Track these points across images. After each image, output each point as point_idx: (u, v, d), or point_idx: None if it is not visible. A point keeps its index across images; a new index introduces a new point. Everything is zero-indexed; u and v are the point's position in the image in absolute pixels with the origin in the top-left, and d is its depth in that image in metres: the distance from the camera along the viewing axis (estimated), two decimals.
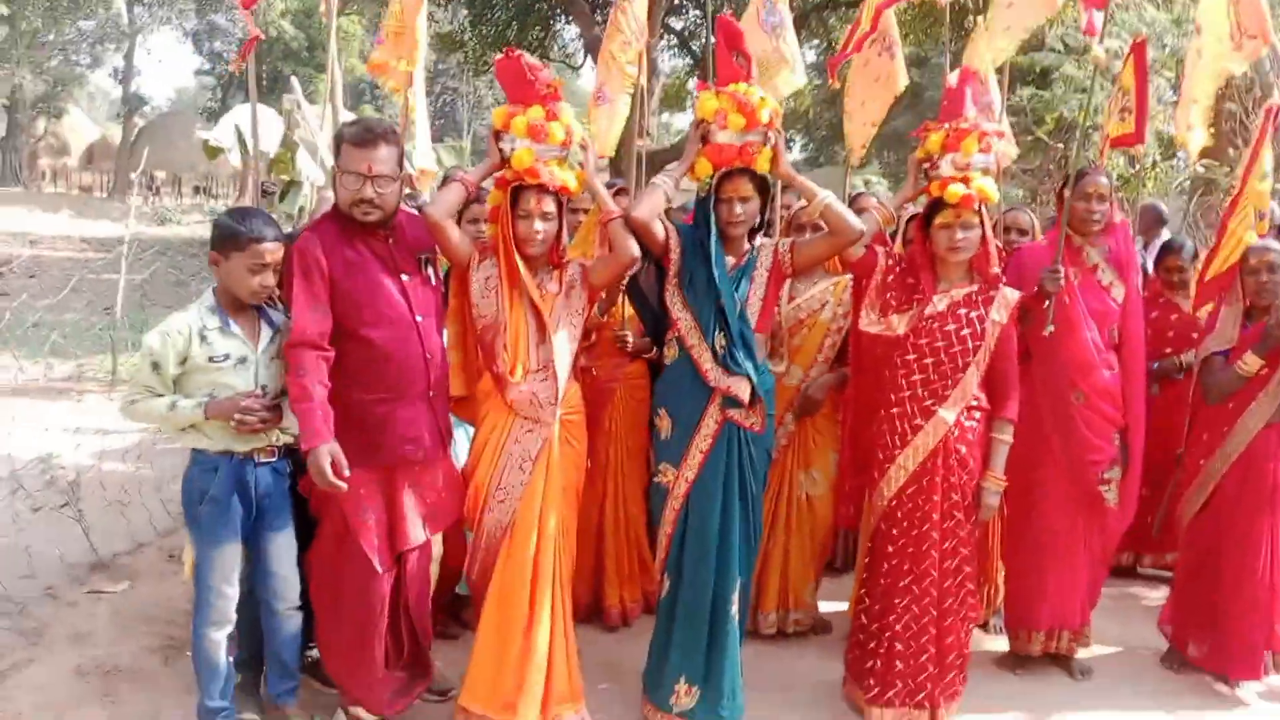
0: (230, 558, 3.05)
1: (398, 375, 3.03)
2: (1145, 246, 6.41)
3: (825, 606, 4.20)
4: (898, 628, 3.34)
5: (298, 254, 2.92)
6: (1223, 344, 3.78)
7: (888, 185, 19.00)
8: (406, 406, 3.06)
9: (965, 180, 3.23)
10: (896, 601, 3.34)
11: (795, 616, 4.04)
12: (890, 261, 3.41)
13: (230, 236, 2.96)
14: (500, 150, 3.15)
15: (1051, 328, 3.56)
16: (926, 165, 3.34)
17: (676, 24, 17.97)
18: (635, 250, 3.24)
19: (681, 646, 3.31)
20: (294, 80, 6.47)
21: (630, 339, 3.94)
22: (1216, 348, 3.79)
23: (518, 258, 3.15)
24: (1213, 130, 4.30)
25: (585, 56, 17.86)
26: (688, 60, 19.12)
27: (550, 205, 3.14)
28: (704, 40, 18.49)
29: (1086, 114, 4.25)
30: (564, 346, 3.20)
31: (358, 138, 2.93)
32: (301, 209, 6.40)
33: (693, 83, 18.30)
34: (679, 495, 3.31)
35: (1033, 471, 3.65)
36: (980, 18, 4.36)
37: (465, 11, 17.75)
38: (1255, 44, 3.81)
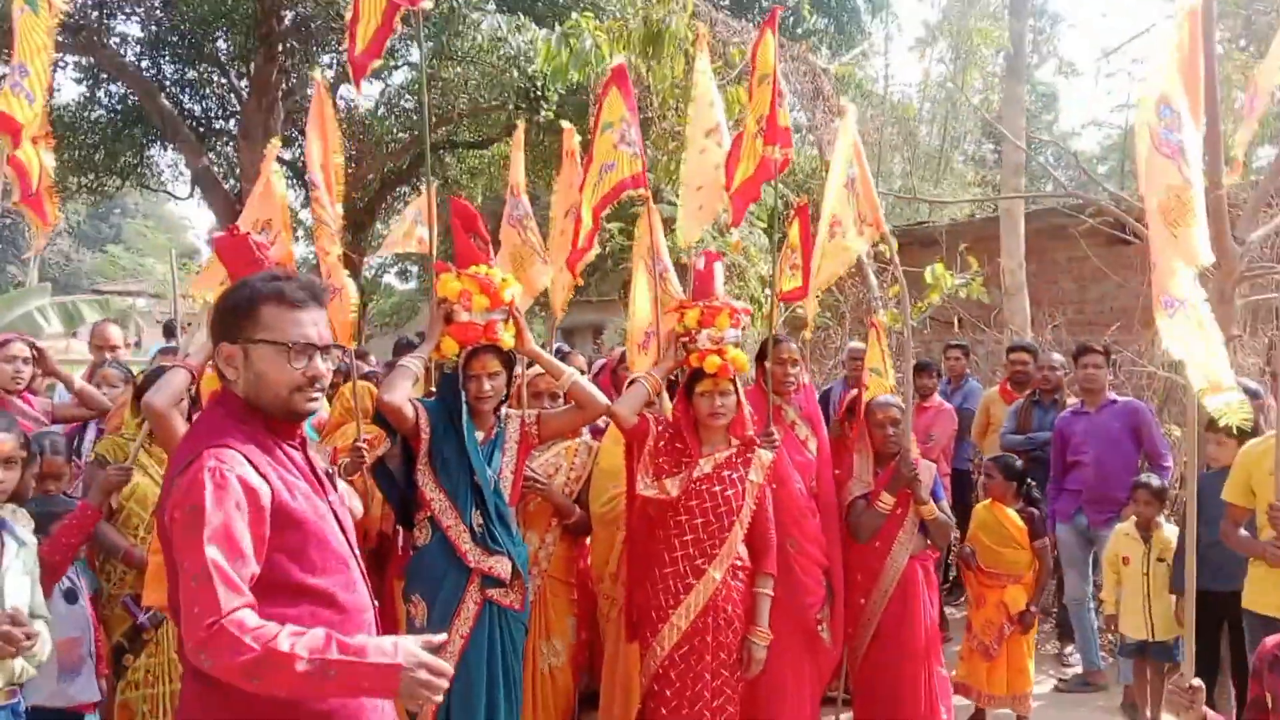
0: None
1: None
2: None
3: None
4: None
5: (215, 484, 1.86)
6: (862, 488, 4.21)
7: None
8: None
9: (720, 352, 3.48)
10: None
11: None
12: (660, 428, 3.55)
13: None
14: None
15: (773, 485, 3.85)
16: (684, 339, 3.56)
17: (286, 154, 17.62)
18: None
19: None
20: None
21: None
22: (859, 492, 4.21)
23: None
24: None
25: (193, 186, 16.80)
26: (301, 190, 18.84)
27: None
28: None
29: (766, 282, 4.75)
30: None
31: (298, 295, 2.05)
32: None
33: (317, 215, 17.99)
34: None
35: None
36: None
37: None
38: (871, 230, 4.43)
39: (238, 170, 16.08)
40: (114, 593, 3.68)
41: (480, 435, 3.33)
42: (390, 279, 27.90)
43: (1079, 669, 5.71)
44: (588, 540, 4.13)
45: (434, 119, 13.87)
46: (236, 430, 1.98)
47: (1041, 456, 5.99)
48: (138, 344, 19.11)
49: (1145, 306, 9.14)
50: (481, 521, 3.21)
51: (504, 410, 3.44)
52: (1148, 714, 4.90)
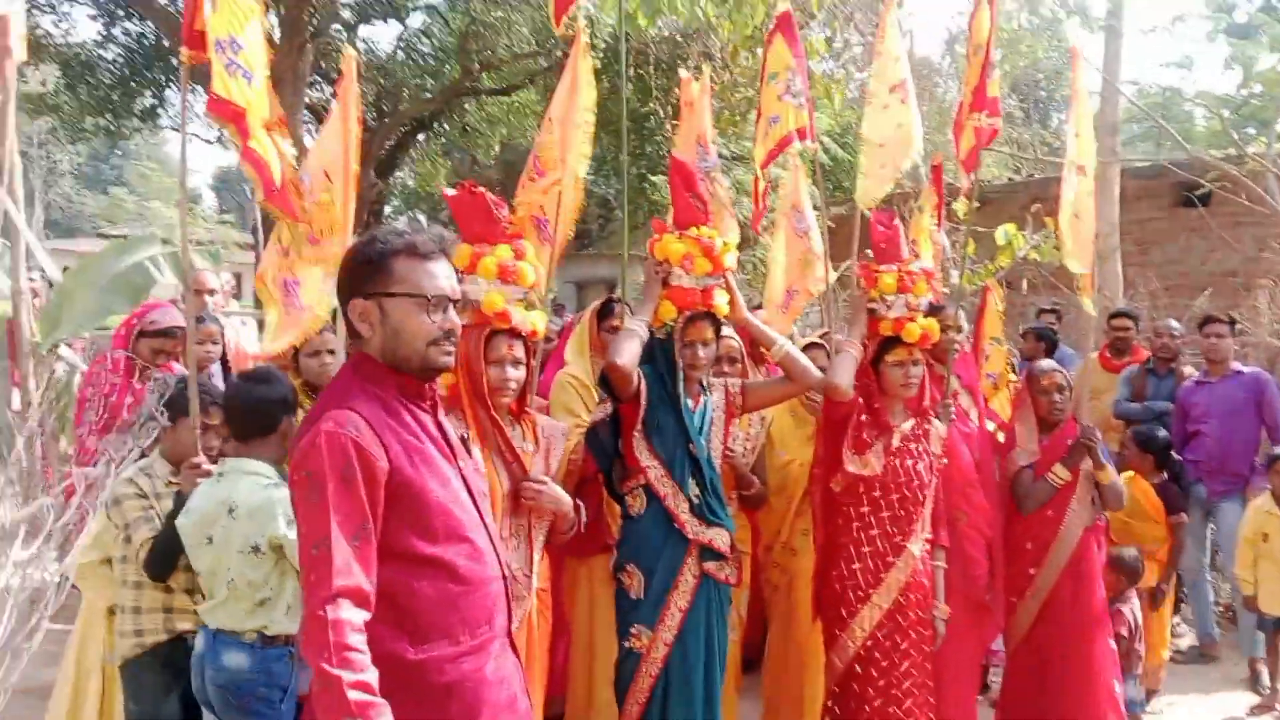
0: None
1: (480, 611, 2.00)
2: None
3: None
4: None
5: (332, 450, 1.84)
6: (1028, 458, 4.10)
7: None
8: (498, 658, 2.05)
9: (914, 320, 3.36)
10: None
11: None
12: (859, 401, 3.44)
13: None
14: (462, 293, 2.81)
15: (945, 459, 3.77)
16: (874, 304, 3.43)
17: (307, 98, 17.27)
18: None
19: None
20: None
21: None
22: (1024, 462, 4.11)
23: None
24: None
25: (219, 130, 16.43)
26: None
27: (520, 351, 2.85)
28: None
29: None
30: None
31: (429, 247, 2.00)
32: None
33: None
34: (657, 660, 3.07)
35: None
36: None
37: (59, 72, 15.64)
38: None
39: None
40: None
41: (690, 404, 3.22)
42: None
43: (1191, 640, 5.72)
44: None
45: (476, 64, 13.55)
46: (364, 392, 1.95)
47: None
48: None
49: (1229, 271, 9.12)
50: (699, 492, 3.13)
51: (707, 379, 3.33)
52: (1278, 686, 4.91)
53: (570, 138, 3.66)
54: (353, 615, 1.77)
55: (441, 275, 2.01)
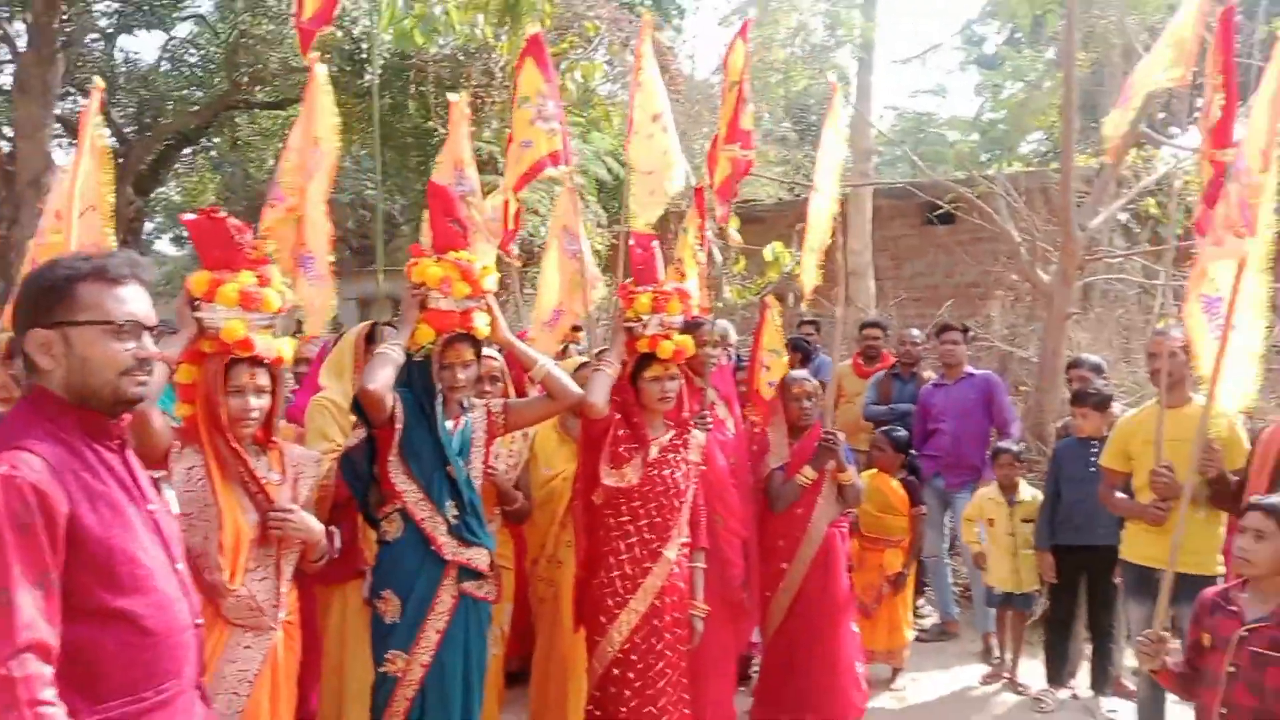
0: None
1: (168, 663, 1.91)
2: None
3: None
4: None
5: (6, 496, 1.70)
6: (780, 460, 4.45)
7: None
8: (186, 712, 1.97)
9: (668, 337, 3.54)
10: None
11: None
12: (617, 416, 3.57)
13: None
14: (199, 321, 2.75)
15: (702, 464, 3.98)
16: (631, 324, 3.58)
17: (58, 109, 16.07)
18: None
19: None
20: None
21: None
22: (775, 464, 4.46)
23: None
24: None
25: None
26: (70, 150, 17.21)
27: (264, 379, 2.81)
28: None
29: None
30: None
31: (121, 271, 1.89)
32: None
33: None
34: (413, 682, 3.09)
35: None
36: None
37: None
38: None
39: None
40: None
41: (450, 424, 3.26)
42: (164, 245, 26.15)
43: (934, 619, 6.23)
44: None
45: (246, 77, 13.04)
46: (42, 430, 1.81)
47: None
48: None
49: (970, 283, 9.99)
50: (457, 513, 3.16)
51: (468, 399, 3.38)
52: (1006, 657, 5.44)
53: (310, 165, 3.64)
54: (42, 670, 1.65)
55: (133, 300, 1.89)
